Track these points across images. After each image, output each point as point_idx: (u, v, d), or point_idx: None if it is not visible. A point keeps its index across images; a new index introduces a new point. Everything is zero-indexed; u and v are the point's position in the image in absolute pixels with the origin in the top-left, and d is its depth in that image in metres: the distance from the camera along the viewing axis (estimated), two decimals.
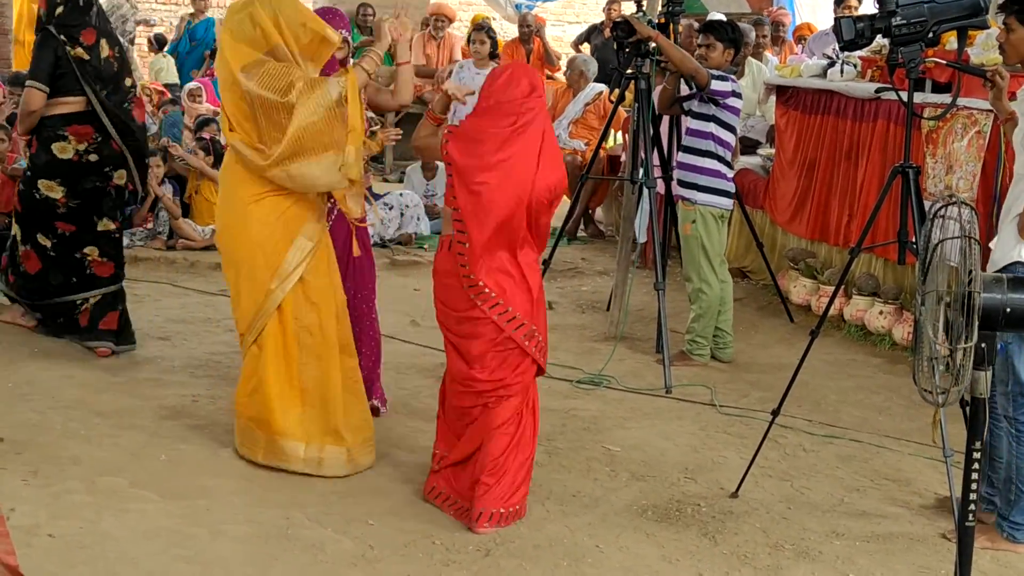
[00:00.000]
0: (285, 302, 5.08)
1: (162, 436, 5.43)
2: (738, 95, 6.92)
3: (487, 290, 4.64)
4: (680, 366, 6.85)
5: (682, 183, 6.99)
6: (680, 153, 7.10)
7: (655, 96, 7.32)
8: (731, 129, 6.96)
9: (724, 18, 7.69)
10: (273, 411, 5.10)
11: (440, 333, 5.03)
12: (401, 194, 10.54)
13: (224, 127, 5.18)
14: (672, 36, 7.32)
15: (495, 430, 4.73)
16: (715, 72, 6.79)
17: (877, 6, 5.34)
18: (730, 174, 7.01)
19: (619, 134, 10.83)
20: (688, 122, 7.06)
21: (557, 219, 10.44)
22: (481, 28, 11.12)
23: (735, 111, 6.95)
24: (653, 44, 7.04)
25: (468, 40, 11.61)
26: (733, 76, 7.01)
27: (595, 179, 10.11)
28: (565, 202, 10.33)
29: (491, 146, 4.59)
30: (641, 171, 7.17)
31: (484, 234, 4.59)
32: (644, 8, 7.40)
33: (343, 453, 5.13)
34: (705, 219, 6.91)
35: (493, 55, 10.75)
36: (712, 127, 6.88)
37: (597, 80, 11.43)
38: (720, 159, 6.91)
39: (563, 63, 13.01)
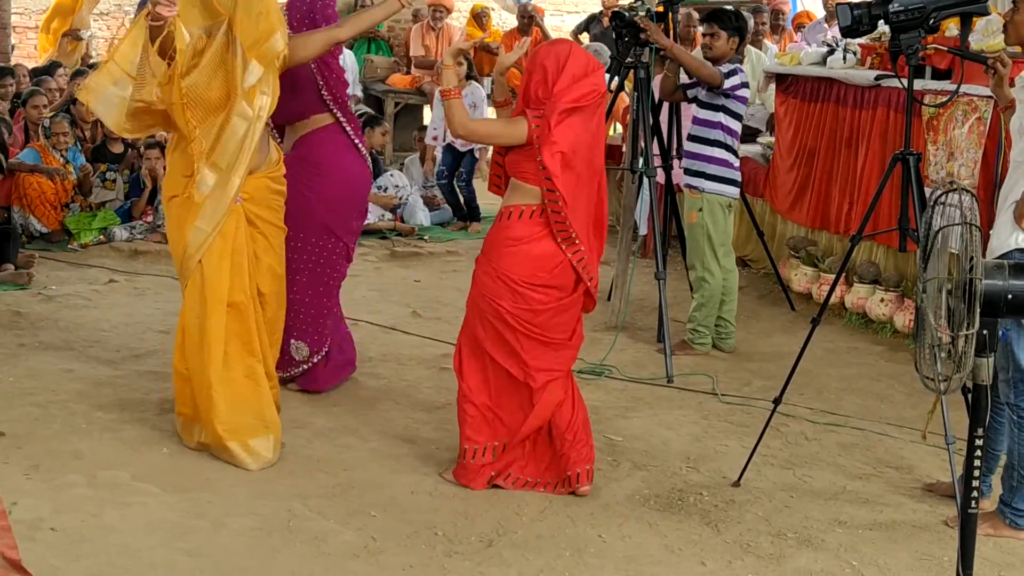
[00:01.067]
0: (187, 292, 5.12)
1: (163, 429, 5.43)
2: (746, 85, 6.92)
3: (581, 247, 4.83)
4: (681, 355, 6.85)
5: (689, 171, 6.99)
6: (688, 142, 7.08)
7: (655, 84, 7.31)
8: (739, 118, 6.99)
9: (727, 6, 7.65)
10: (176, 390, 5.25)
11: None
12: (391, 174, 10.55)
13: None
14: (671, 26, 7.30)
15: (570, 397, 4.99)
16: (725, 68, 6.79)
17: None
18: (737, 163, 7.02)
19: (617, 124, 10.80)
20: (696, 111, 7.04)
21: None
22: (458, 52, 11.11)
23: (743, 100, 6.98)
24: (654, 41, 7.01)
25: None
26: (740, 65, 6.99)
27: None
28: None
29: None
30: (641, 160, 7.16)
31: (580, 202, 4.83)
32: None
33: (221, 448, 5.11)
34: (712, 208, 6.92)
35: (469, 76, 10.65)
36: (721, 117, 6.88)
37: None
38: (728, 148, 6.93)
39: None
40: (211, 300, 5.06)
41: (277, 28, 5.00)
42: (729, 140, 6.92)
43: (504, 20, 17.10)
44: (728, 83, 6.77)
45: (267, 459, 5.10)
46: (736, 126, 6.97)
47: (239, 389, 5.13)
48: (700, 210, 6.93)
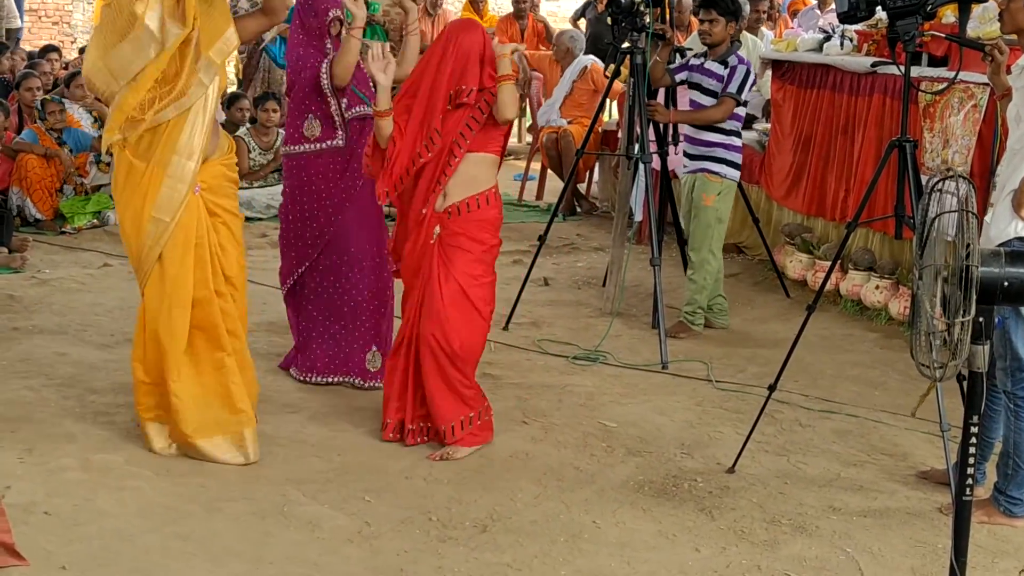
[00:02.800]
0: (147, 286, 4.93)
1: None
2: (748, 75, 6.96)
3: None
4: (681, 336, 6.93)
5: (706, 157, 7.04)
6: (702, 129, 7.04)
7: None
8: (745, 104, 7.14)
9: None
10: (136, 388, 5.05)
11: None
12: None
13: None
14: (667, 11, 7.28)
15: None
16: (726, 67, 6.89)
17: None
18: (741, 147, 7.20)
19: (614, 105, 10.79)
20: (701, 99, 7.04)
21: (552, 195, 10.46)
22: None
23: (750, 87, 7.13)
24: (645, 18, 7.00)
25: None
26: (739, 53, 7.01)
27: (594, 154, 10.07)
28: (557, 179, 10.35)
29: None
30: (637, 147, 7.14)
31: None
32: None
33: (190, 447, 4.99)
34: (728, 193, 7.07)
35: None
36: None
37: (594, 55, 11.36)
38: (738, 134, 7.09)
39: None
40: (174, 297, 4.88)
41: (230, 24, 4.82)
42: (738, 126, 7.07)
43: (499, 5, 17.08)
44: (735, 90, 6.90)
45: (244, 452, 4.98)
46: (743, 112, 7.13)
47: (207, 386, 4.96)
48: (719, 194, 7.01)
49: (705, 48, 7.09)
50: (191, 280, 4.89)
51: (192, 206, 4.87)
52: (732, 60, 6.92)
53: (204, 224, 4.93)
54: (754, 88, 9.88)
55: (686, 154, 7.16)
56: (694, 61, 7.08)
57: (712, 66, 6.98)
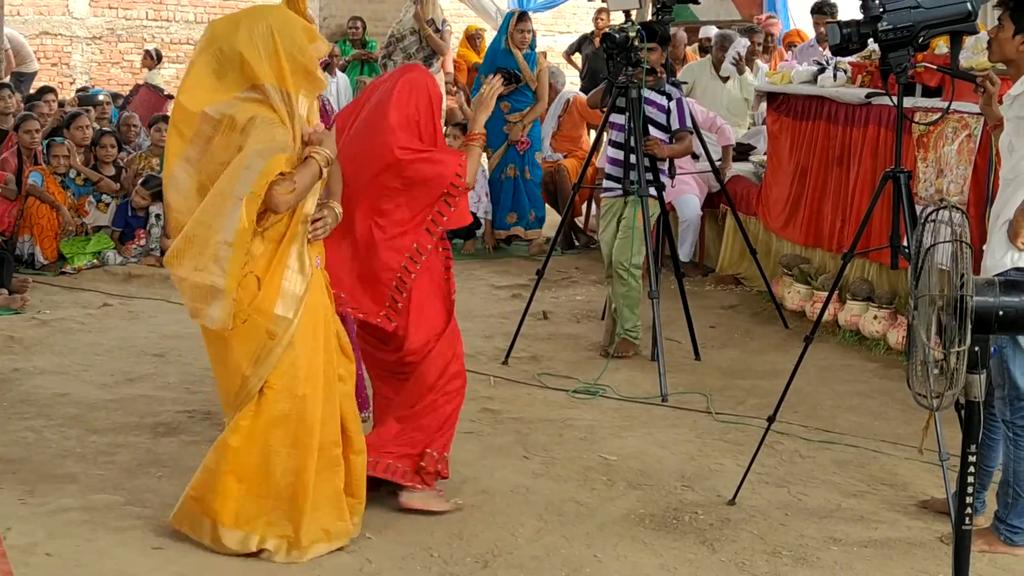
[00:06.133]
0: (268, 390, 4.31)
1: (158, 452, 5.43)
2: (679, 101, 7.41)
3: None
4: (629, 356, 7.10)
5: (643, 181, 7.11)
6: (623, 151, 7.14)
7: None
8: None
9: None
10: (217, 494, 4.40)
11: None
12: None
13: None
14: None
15: None
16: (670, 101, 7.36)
17: (862, 12, 5.35)
18: None
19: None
20: (622, 119, 7.16)
21: (550, 229, 10.49)
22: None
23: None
24: (641, 53, 7.06)
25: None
26: (674, 90, 7.45)
27: (590, 188, 10.10)
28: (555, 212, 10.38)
29: None
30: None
31: None
32: (632, 18, 7.41)
33: (289, 546, 4.44)
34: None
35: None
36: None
37: (592, 89, 11.41)
38: None
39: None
40: (309, 381, 4.33)
41: (307, 45, 4.25)
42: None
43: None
44: (690, 123, 7.46)
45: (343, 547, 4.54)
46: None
47: (325, 484, 4.46)
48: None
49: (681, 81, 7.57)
50: (320, 362, 4.37)
51: (317, 283, 4.39)
52: (674, 92, 7.36)
53: (329, 303, 4.48)
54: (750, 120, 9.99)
55: (611, 177, 7.26)
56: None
57: (653, 95, 7.28)
